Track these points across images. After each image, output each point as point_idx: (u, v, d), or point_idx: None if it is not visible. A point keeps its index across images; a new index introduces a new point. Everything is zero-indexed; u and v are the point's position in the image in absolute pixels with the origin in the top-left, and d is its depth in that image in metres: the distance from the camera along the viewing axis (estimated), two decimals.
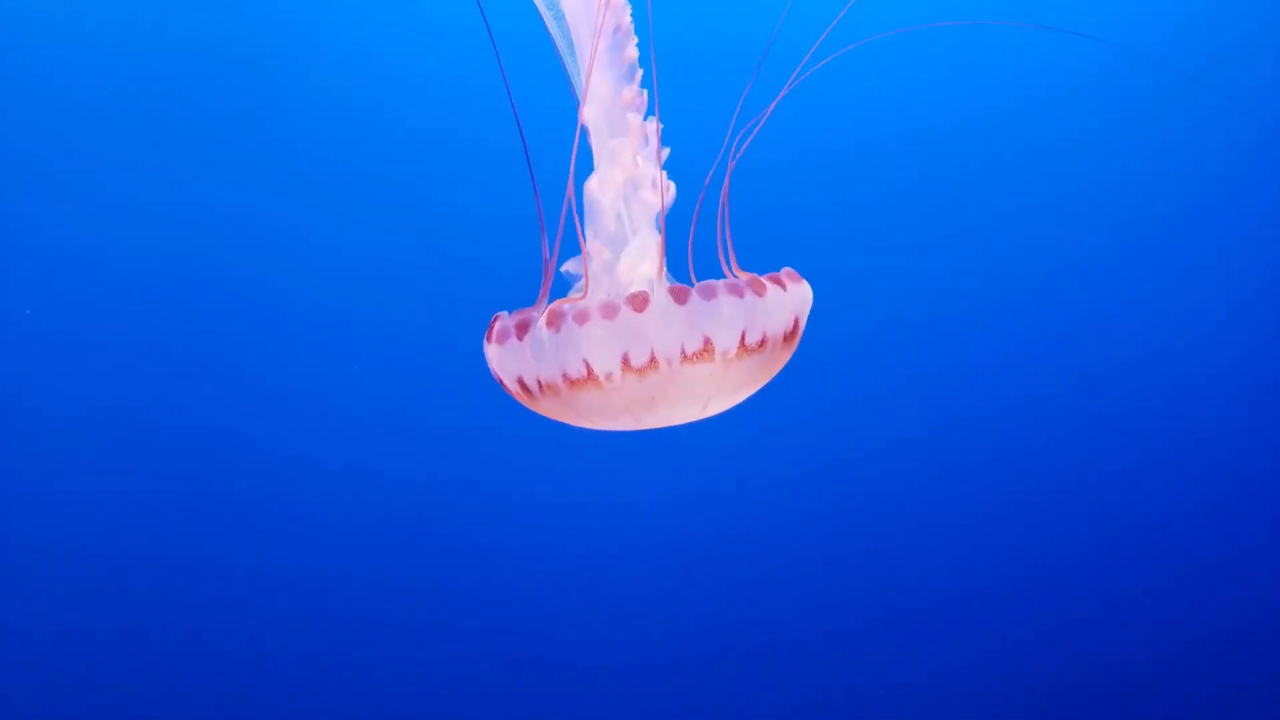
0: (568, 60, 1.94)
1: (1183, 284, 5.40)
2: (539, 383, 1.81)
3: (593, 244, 1.89)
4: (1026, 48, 5.30)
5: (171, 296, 4.97)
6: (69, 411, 4.88)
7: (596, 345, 1.73)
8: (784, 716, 5.24)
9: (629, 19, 1.90)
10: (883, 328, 5.34)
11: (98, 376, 4.91)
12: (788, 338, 1.86)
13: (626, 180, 1.93)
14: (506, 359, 1.84)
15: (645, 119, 1.95)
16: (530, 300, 1.92)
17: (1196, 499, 5.35)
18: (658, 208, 1.93)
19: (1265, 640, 5.29)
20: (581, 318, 1.74)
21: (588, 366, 1.75)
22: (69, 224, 4.89)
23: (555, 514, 5.19)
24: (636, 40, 1.92)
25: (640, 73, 1.93)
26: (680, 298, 1.73)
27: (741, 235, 1.95)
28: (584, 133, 1.90)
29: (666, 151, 1.95)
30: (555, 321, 1.75)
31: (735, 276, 1.86)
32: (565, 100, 1.95)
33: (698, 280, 1.80)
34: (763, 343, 1.80)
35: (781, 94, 1.99)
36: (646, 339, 1.73)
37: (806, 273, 1.86)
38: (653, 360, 1.75)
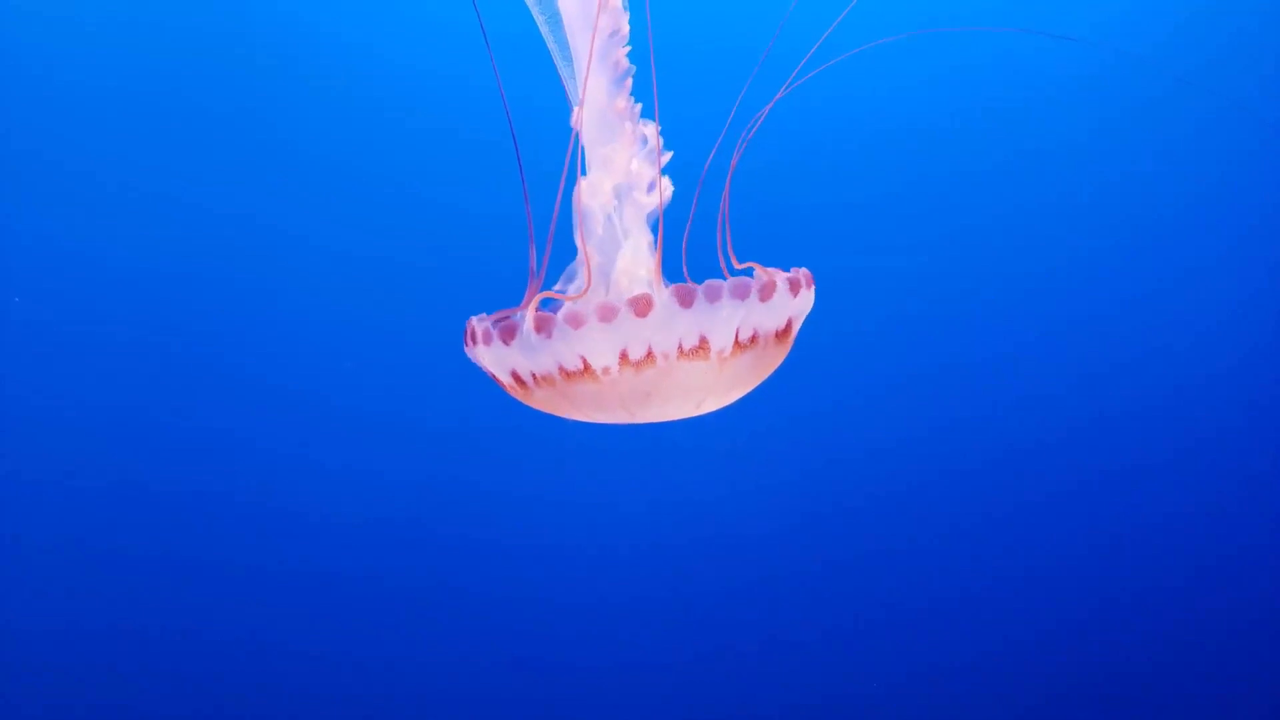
0: (561, 65, 1.95)
1: (1181, 284, 5.40)
2: (533, 375, 1.82)
3: (585, 248, 1.90)
4: (1025, 50, 5.30)
5: (169, 295, 4.98)
6: (68, 410, 4.88)
7: (595, 342, 1.74)
8: (784, 716, 5.24)
9: (626, 26, 1.91)
10: (880, 328, 5.34)
11: (97, 375, 4.91)
12: (780, 336, 1.87)
13: (618, 185, 1.94)
14: (501, 357, 1.84)
15: (641, 121, 1.95)
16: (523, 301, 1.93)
17: (1196, 499, 5.35)
18: (651, 209, 1.94)
19: (1265, 640, 5.28)
20: (577, 320, 1.74)
21: (584, 361, 1.76)
22: (66, 223, 4.89)
23: (553, 513, 5.20)
24: (630, 49, 1.92)
25: (631, 80, 1.93)
26: (683, 298, 1.74)
27: (739, 235, 1.96)
28: (578, 136, 1.91)
29: (668, 155, 1.95)
30: (550, 322, 1.76)
31: (734, 275, 1.86)
32: (564, 102, 1.96)
33: (693, 280, 1.82)
34: (754, 339, 1.82)
35: (779, 94, 2.00)
36: (645, 336, 1.74)
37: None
38: (649, 355, 1.76)
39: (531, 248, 1.91)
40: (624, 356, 1.75)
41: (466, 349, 1.92)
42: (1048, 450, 5.38)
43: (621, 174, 1.93)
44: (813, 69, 2.01)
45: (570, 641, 5.20)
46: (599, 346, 1.74)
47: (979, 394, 5.38)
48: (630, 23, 1.90)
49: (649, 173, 1.94)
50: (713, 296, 1.74)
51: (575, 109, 1.91)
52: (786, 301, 1.83)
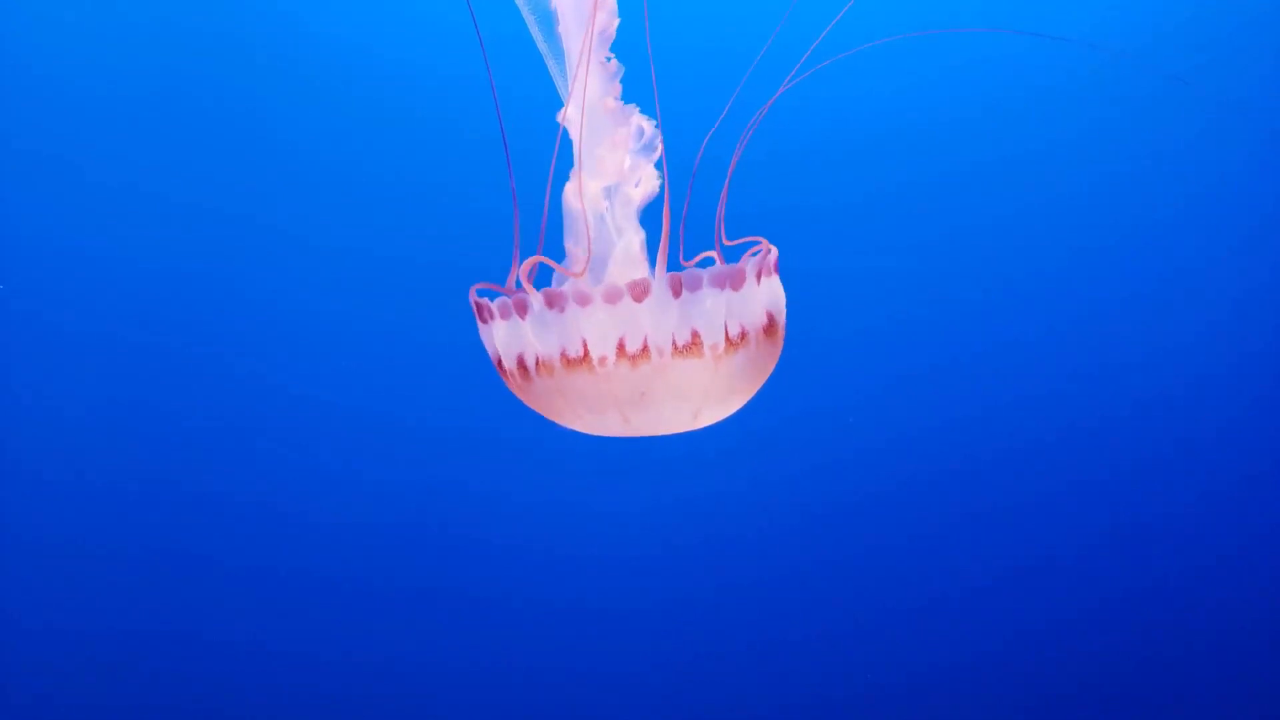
0: (551, 63, 1.97)
1: (1180, 285, 5.41)
2: (537, 360, 1.85)
3: (575, 248, 1.93)
4: (1021, 50, 5.30)
5: (166, 294, 4.97)
6: (67, 410, 4.88)
7: (595, 325, 1.79)
8: (784, 717, 5.25)
9: (615, 25, 1.93)
10: (881, 328, 5.34)
11: (96, 375, 4.91)
12: (768, 331, 1.90)
13: (607, 184, 1.97)
14: (512, 335, 1.88)
15: (637, 115, 1.97)
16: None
17: (1196, 499, 5.35)
18: (641, 206, 1.97)
19: (1265, 640, 5.29)
20: (584, 299, 1.80)
21: (585, 347, 1.80)
22: (63, 221, 4.90)
23: (551, 513, 5.20)
24: (613, 50, 1.95)
25: (620, 80, 1.95)
26: (674, 288, 1.80)
27: (736, 234, 1.96)
28: (566, 133, 1.95)
29: (659, 152, 1.97)
30: (562, 298, 1.81)
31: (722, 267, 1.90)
32: (557, 100, 1.97)
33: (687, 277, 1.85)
34: (744, 335, 1.85)
35: (777, 94, 2.00)
36: (641, 323, 1.79)
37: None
38: (644, 349, 1.80)
39: (515, 236, 1.92)
40: (621, 347, 1.79)
41: (480, 327, 1.96)
42: (1047, 451, 5.39)
43: (613, 173, 1.95)
44: (809, 69, 2.01)
45: (570, 642, 5.20)
46: (602, 328, 1.79)
47: (978, 394, 5.38)
48: (627, 21, 1.92)
49: (640, 170, 1.96)
50: (694, 285, 1.80)
51: (564, 107, 1.95)
52: (757, 289, 1.87)
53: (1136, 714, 5.30)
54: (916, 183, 5.36)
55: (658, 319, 1.79)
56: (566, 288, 1.85)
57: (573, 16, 1.91)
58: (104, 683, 4.88)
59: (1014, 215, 5.38)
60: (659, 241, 1.86)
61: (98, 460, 4.91)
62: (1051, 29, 5.18)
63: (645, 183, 1.97)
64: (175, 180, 4.95)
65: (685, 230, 1.99)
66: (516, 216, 1.91)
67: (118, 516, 4.92)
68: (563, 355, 1.82)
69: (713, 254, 1.99)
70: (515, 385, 1.94)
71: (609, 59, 1.93)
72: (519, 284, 1.92)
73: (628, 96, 1.95)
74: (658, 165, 1.97)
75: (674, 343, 1.80)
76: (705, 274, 1.81)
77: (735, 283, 1.83)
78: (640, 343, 1.79)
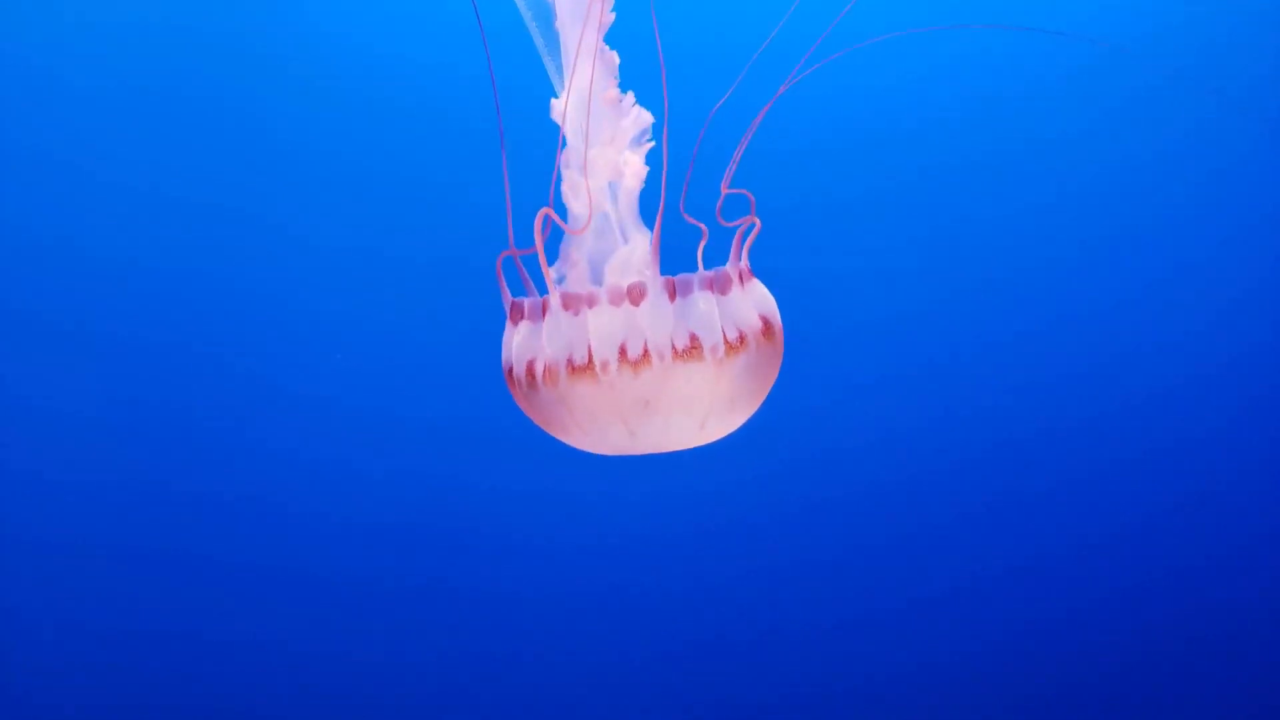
0: (547, 58, 1.97)
1: (1183, 283, 5.40)
2: (545, 368, 1.85)
3: (573, 253, 1.93)
4: (1018, 47, 5.30)
5: (165, 292, 4.98)
6: (66, 408, 4.88)
7: (598, 328, 1.80)
8: (784, 716, 5.24)
9: (610, 20, 1.93)
10: (880, 328, 5.34)
11: (95, 373, 4.92)
12: (766, 333, 1.89)
13: (604, 182, 1.98)
14: (525, 339, 1.89)
15: (635, 108, 1.96)
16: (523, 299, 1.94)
17: (1196, 498, 5.35)
18: (636, 201, 1.96)
19: (1265, 640, 5.29)
20: (591, 300, 1.82)
21: (589, 351, 1.80)
22: (62, 220, 4.90)
23: (550, 513, 5.20)
24: (612, 50, 1.95)
25: (617, 75, 1.95)
26: (669, 291, 1.81)
27: (733, 235, 1.96)
28: (561, 128, 1.95)
29: (649, 145, 1.97)
30: (579, 300, 1.83)
31: (724, 271, 1.91)
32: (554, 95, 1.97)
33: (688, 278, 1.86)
34: (742, 339, 1.85)
35: (777, 94, 2.00)
36: (641, 329, 1.79)
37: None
38: (645, 354, 1.79)
39: (509, 239, 1.92)
40: (623, 352, 1.79)
41: (506, 329, 1.96)
42: (1046, 451, 5.39)
43: (606, 171, 1.95)
44: (810, 66, 2.01)
45: (570, 641, 5.20)
46: (604, 330, 1.80)
47: (979, 394, 5.38)
48: (622, 18, 1.92)
49: (636, 165, 1.96)
50: (685, 290, 1.82)
51: (559, 101, 1.95)
52: (743, 292, 1.88)
53: (1137, 714, 5.30)
54: (916, 181, 5.36)
55: (655, 322, 1.79)
56: (580, 290, 1.88)
57: (569, 10, 1.91)
58: (104, 683, 4.88)
59: (1014, 214, 5.37)
60: (659, 242, 1.86)
61: (97, 458, 4.91)
62: (1052, 24, 5.17)
63: (635, 176, 1.97)
64: (173, 177, 4.95)
65: (684, 228, 1.99)
66: (509, 210, 1.90)
67: (117, 515, 4.92)
68: (568, 362, 1.81)
69: (703, 241, 1.99)
70: (522, 396, 1.94)
71: (605, 51, 1.93)
72: (525, 265, 1.93)
73: (623, 91, 1.94)
74: (657, 163, 1.96)
75: (674, 347, 1.80)
76: (695, 278, 1.82)
77: (722, 286, 1.84)
78: (641, 347, 1.79)
